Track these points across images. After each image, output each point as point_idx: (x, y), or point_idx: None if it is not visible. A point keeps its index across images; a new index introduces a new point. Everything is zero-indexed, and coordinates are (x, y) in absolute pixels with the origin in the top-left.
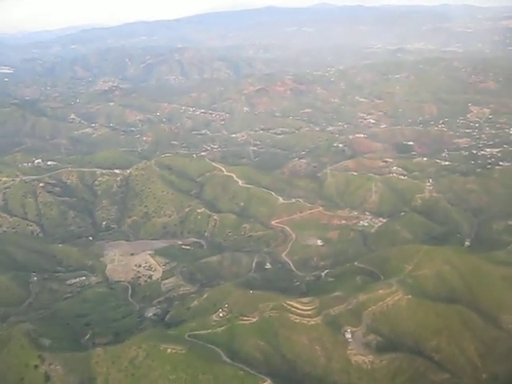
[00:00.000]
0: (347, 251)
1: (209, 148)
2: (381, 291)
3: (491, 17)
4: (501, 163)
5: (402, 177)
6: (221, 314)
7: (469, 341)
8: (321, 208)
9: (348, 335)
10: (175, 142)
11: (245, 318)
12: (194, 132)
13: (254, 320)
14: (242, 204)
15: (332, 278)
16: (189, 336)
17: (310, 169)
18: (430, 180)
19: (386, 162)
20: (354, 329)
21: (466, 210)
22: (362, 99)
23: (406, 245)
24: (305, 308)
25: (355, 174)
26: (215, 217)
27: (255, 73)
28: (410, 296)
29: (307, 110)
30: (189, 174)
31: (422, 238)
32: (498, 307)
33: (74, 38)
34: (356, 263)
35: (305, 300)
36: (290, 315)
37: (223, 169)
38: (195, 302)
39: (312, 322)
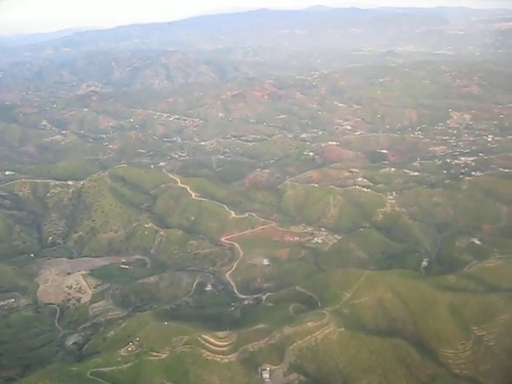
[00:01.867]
0: (295, 272)
1: (176, 156)
2: (310, 323)
3: (485, 19)
4: (473, 173)
5: (365, 189)
6: (129, 349)
7: (403, 379)
8: (274, 223)
9: (265, 375)
10: (142, 150)
11: (154, 354)
12: (164, 139)
13: (164, 356)
14: (192, 218)
15: (272, 302)
16: (92, 374)
17: (273, 180)
18: (394, 193)
19: (351, 172)
20: (274, 367)
21: (430, 225)
22: (341, 104)
23: (349, 268)
24: (220, 343)
25: (316, 185)
26: (161, 232)
27: (239, 77)
28: (342, 329)
29: (282, 116)
30: (143, 186)
31: (378, 258)
32: (439, 340)
33: (67, 41)
34: (297, 287)
35: (221, 334)
36: (203, 351)
37: (178, 180)
38: (112, 332)
39: (225, 360)
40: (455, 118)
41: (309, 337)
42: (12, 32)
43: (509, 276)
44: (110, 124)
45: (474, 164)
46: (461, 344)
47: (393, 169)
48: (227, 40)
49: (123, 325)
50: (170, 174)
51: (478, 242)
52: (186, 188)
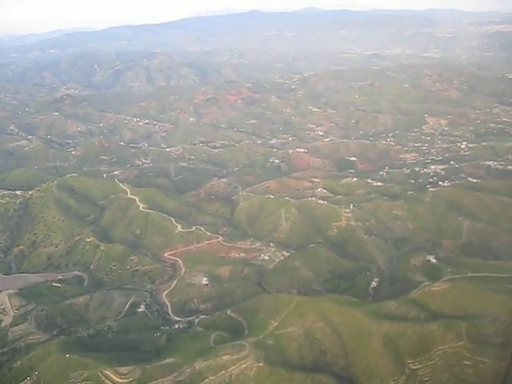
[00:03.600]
0: (234, 292)
1: (140, 163)
2: (226, 357)
3: (475, 22)
4: (440, 183)
5: (322, 201)
6: None
7: None
8: (221, 238)
9: None
10: (104, 157)
11: None
12: (131, 145)
13: None
14: (137, 232)
15: (202, 327)
16: None
17: (230, 190)
18: (351, 205)
19: (312, 182)
20: None
21: (388, 240)
22: (315, 109)
23: (280, 293)
24: (121, 381)
25: (271, 197)
26: (102, 247)
27: (218, 80)
28: (261, 363)
29: (253, 121)
30: (91, 197)
31: (325, 277)
32: (370, 375)
33: (56, 42)
34: (229, 312)
35: (124, 370)
36: None
37: (128, 191)
38: (18, 362)
39: None
40: (431, 123)
41: (223, 372)
42: (3, 33)
43: (452, 302)
44: (79, 129)
45: (443, 173)
46: (392, 380)
47: (355, 179)
48: (215, 42)
49: (31, 354)
50: (121, 184)
51: (433, 261)
52: (135, 199)
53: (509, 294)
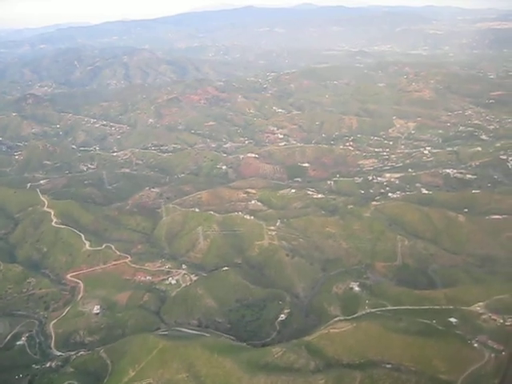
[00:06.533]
0: (126, 323)
1: (85, 168)
2: None
3: (469, 19)
4: (390, 194)
5: (248, 216)
6: None
7: None
8: (129, 258)
9: None
10: (48, 162)
11: None
12: (82, 148)
13: None
14: (45, 250)
15: (74, 367)
16: None
17: (161, 201)
18: (279, 221)
19: (248, 193)
20: None
21: (316, 262)
22: (280, 110)
23: (149, 334)
24: None
25: (197, 210)
26: (1, 267)
27: (197, 77)
28: None
29: (211, 123)
30: (8, 210)
31: (230, 307)
32: None
33: (47, 38)
34: (101, 351)
35: None
36: None
37: (46, 203)
38: None
39: None
40: (398, 126)
41: None
42: (1, 27)
43: (353, 346)
44: (33, 130)
45: (397, 182)
46: None
47: (293, 190)
48: (205, 38)
49: None
50: (41, 196)
51: (356, 289)
52: (51, 212)
53: (417, 335)
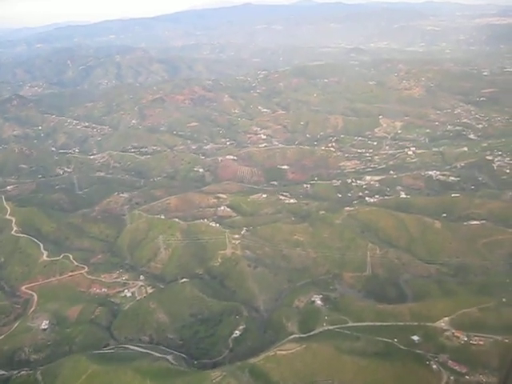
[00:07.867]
0: (75, 339)
1: (61, 172)
2: None
3: (468, 15)
4: (368, 199)
5: (214, 224)
6: None
7: None
8: (86, 269)
9: None
10: (24, 166)
11: None
12: (62, 150)
13: None
14: (2, 260)
15: None
16: None
17: (128, 207)
18: (244, 229)
19: (218, 198)
20: None
21: (281, 272)
22: (265, 110)
23: (81, 356)
24: None
25: (162, 217)
26: None
27: (189, 76)
28: None
29: (194, 124)
30: None
31: (184, 322)
32: None
33: (44, 37)
34: (38, 373)
35: None
36: None
37: (8, 210)
38: None
39: None
40: (385, 125)
41: None
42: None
43: (300, 370)
44: (14, 133)
45: (377, 185)
46: None
47: (264, 195)
48: (202, 36)
49: None
50: (4, 203)
51: (318, 302)
52: (12, 220)
53: (373, 357)
